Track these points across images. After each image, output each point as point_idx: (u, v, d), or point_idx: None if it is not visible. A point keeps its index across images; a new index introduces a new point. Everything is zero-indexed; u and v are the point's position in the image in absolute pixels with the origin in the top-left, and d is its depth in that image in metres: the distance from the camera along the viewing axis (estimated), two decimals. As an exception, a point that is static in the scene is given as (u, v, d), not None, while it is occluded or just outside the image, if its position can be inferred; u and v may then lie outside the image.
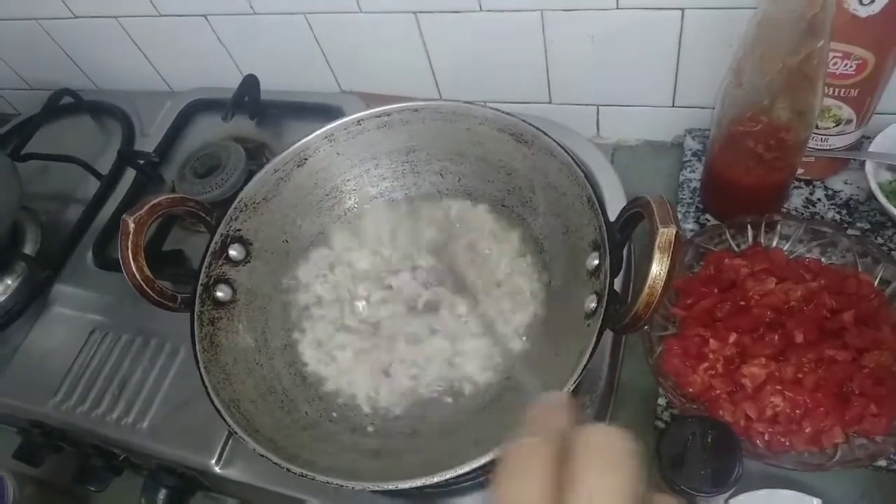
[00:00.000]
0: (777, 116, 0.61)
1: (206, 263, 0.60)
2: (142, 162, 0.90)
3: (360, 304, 0.66)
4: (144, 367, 0.74)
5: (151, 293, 0.56)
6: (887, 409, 0.57)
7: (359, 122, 0.64)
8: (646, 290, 0.43)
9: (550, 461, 0.27)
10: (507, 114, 0.59)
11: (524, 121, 0.59)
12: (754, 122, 0.62)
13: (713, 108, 0.66)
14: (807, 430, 0.58)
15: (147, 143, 0.95)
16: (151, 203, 0.57)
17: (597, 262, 0.52)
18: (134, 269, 0.55)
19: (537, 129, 0.58)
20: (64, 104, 1.04)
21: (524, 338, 0.61)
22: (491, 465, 0.46)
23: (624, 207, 0.49)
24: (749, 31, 0.56)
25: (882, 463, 0.59)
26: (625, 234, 0.51)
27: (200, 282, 0.59)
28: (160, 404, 0.71)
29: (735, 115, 0.63)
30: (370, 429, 0.59)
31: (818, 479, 0.59)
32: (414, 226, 0.69)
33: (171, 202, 0.59)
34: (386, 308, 0.65)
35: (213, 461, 0.66)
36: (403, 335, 0.63)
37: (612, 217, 0.52)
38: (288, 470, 0.49)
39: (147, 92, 1.06)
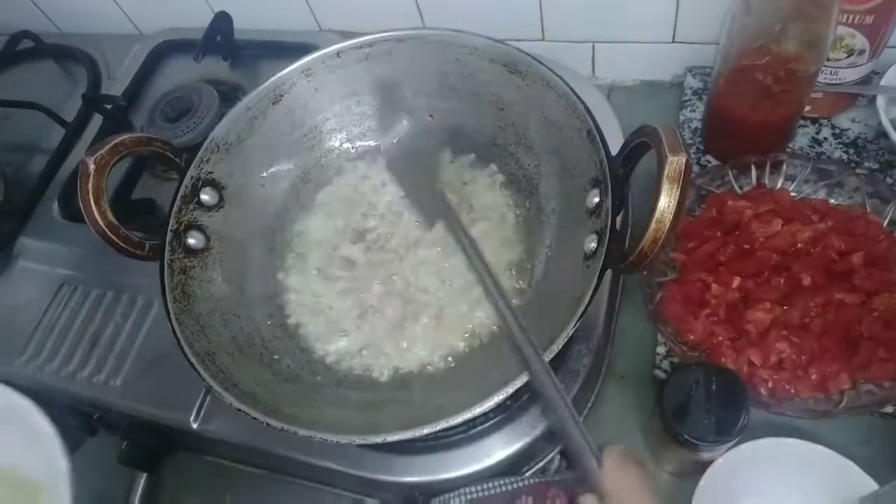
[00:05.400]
0: (787, 46, 0.57)
1: (175, 208, 0.56)
2: (109, 107, 0.84)
3: (351, 252, 0.62)
4: (116, 321, 0.70)
5: (116, 240, 0.52)
6: (896, 353, 0.55)
7: (338, 54, 0.60)
8: (653, 224, 0.39)
9: None
10: (500, 42, 0.55)
11: (518, 49, 0.54)
12: (763, 52, 0.58)
13: (716, 44, 0.62)
14: (813, 377, 0.56)
15: (114, 87, 0.89)
16: (114, 142, 0.53)
17: (597, 199, 0.48)
18: (96, 213, 0.51)
19: (532, 57, 0.53)
20: (24, 48, 0.98)
21: (520, 282, 0.57)
22: (482, 417, 0.44)
23: (628, 138, 0.45)
24: (762, -51, 0.52)
25: (889, 409, 0.57)
26: (627, 169, 0.48)
27: (170, 228, 0.55)
28: (134, 360, 0.67)
29: (743, 45, 0.59)
30: (356, 381, 0.55)
31: (822, 426, 0.57)
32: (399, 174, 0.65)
33: (134, 142, 0.54)
34: (377, 257, 0.61)
35: (191, 418, 0.63)
36: (395, 287, 0.59)
37: (613, 152, 0.48)
38: (268, 425, 0.46)
39: (113, 35, 1.00)
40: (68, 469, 0.62)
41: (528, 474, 0.60)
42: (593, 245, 0.47)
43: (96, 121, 0.86)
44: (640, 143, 0.44)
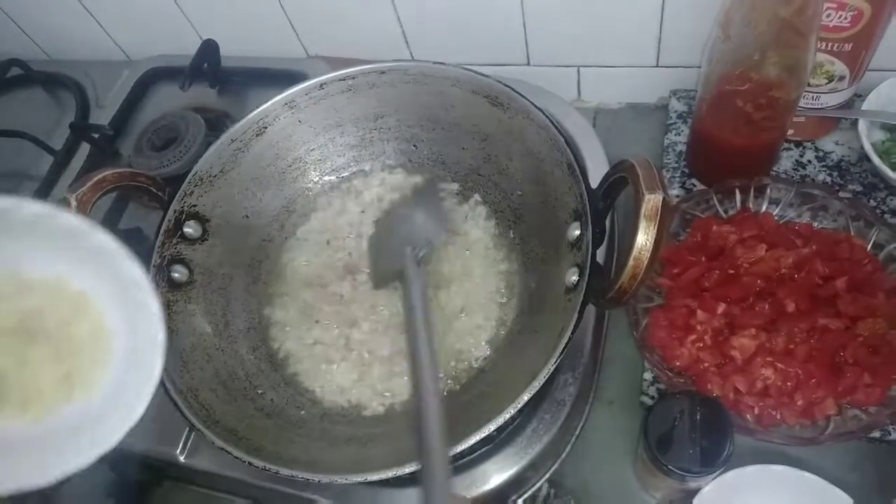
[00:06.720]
0: (767, 73, 0.57)
1: (159, 243, 0.56)
2: (96, 135, 0.84)
3: (339, 288, 0.62)
4: (103, 353, 0.69)
5: (99, 277, 0.52)
6: (881, 378, 0.55)
7: (321, 86, 0.60)
8: (631, 261, 0.40)
9: None
10: (481, 74, 0.55)
11: (499, 81, 0.54)
12: (743, 79, 0.58)
13: (699, 67, 0.62)
14: (798, 403, 0.56)
15: (103, 115, 0.90)
16: (95, 179, 0.52)
17: (578, 232, 0.49)
18: (78, 251, 0.51)
19: (513, 90, 0.54)
20: (12, 76, 0.98)
21: (503, 313, 0.57)
22: (467, 448, 0.44)
23: (607, 173, 0.45)
24: (739, -21, 0.52)
25: (875, 434, 0.57)
26: (608, 202, 0.48)
27: (153, 262, 0.55)
28: (120, 393, 0.66)
29: (723, 72, 0.59)
30: (341, 415, 0.55)
31: (809, 452, 0.57)
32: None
33: (117, 177, 0.54)
34: (365, 292, 0.61)
35: (178, 451, 0.62)
36: (384, 323, 0.59)
37: (595, 184, 0.48)
38: (250, 464, 0.45)
39: (102, 61, 1.00)
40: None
41: (519, 503, 0.60)
42: (574, 279, 0.47)
43: (84, 149, 0.87)
44: (620, 178, 0.44)
